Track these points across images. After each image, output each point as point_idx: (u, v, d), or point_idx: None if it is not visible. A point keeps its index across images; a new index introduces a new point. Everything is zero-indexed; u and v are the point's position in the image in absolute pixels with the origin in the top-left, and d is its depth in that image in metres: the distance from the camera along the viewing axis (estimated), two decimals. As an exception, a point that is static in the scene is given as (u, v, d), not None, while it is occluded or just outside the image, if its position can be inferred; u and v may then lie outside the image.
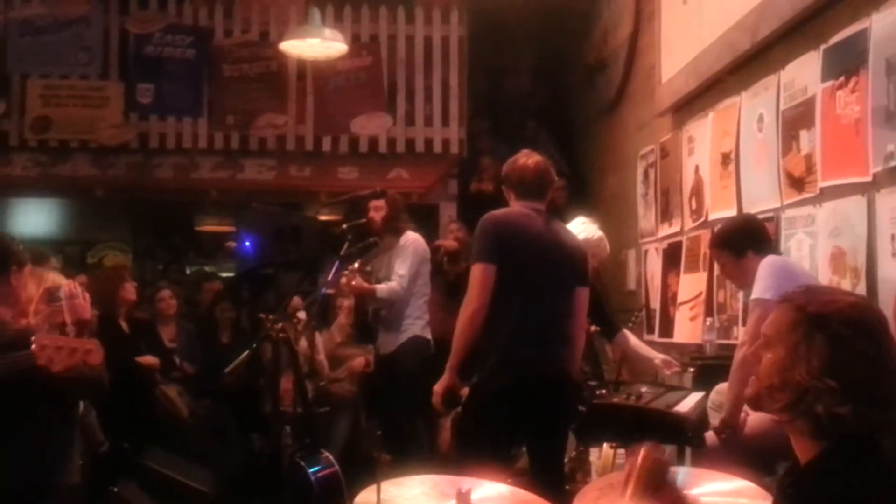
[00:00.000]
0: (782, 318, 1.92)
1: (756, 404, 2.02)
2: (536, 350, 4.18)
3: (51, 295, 3.75)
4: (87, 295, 3.69)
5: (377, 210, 6.31)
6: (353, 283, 6.03)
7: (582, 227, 5.13)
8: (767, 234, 4.41)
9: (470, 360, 4.27)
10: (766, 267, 4.01)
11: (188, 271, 11.40)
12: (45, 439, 3.41)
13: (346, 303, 7.09)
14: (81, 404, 4.42)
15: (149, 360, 6.34)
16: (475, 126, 9.80)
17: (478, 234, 4.29)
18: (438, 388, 4.29)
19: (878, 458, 1.83)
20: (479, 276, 4.18)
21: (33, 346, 3.00)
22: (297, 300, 6.55)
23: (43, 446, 3.40)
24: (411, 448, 5.93)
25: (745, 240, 4.25)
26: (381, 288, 6.13)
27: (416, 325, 6.22)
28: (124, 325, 6.34)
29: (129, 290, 6.44)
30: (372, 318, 6.46)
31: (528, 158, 4.44)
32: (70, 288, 3.65)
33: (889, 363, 1.83)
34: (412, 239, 6.27)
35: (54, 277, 3.85)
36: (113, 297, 6.15)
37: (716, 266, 5.71)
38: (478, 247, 4.25)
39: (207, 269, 11.62)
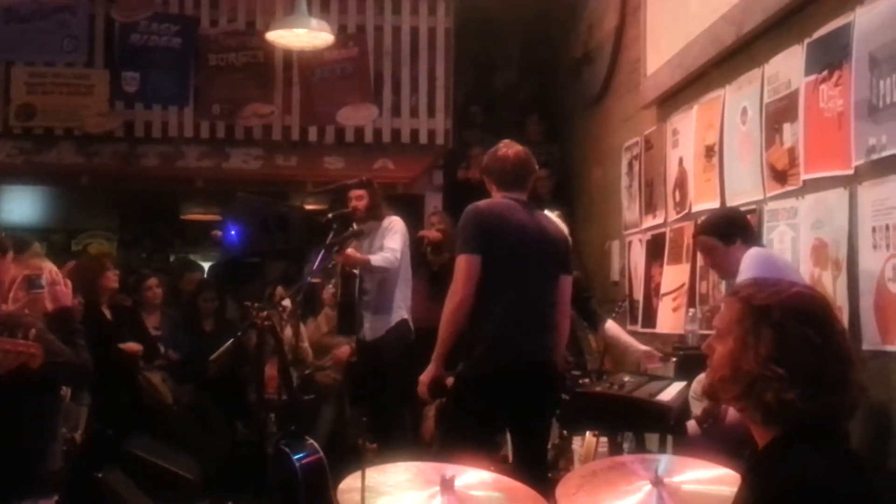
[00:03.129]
0: (730, 310, 1.98)
1: (711, 395, 2.07)
2: (522, 339, 4.21)
3: (31, 282, 3.74)
4: (69, 282, 3.69)
5: (359, 199, 6.33)
6: (348, 251, 5.97)
7: None
8: (752, 227, 4.45)
9: (455, 350, 4.30)
10: (750, 259, 4.04)
11: (171, 259, 11.36)
12: (29, 425, 3.41)
13: (330, 289, 7.08)
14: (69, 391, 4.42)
15: (131, 346, 6.34)
16: (468, 115, 9.83)
17: (462, 225, 4.30)
18: (424, 377, 4.32)
19: (830, 441, 1.89)
20: (464, 266, 4.19)
21: None
22: (280, 289, 6.57)
23: (26, 432, 3.41)
24: (397, 436, 5.95)
25: (735, 228, 4.29)
26: (376, 257, 6.08)
27: (403, 308, 6.24)
28: (107, 312, 6.33)
29: (111, 279, 6.43)
30: (359, 300, 6.41)
31: (508, 149, 4.45)
32: (51, 275, 3.65)
33: (834, 349, 1.88)
34: (396, 220, 6.31)
35: (39, 264, 3.84)
36: (94, 285, 6.14)
37: (699, 257, 5.76)
38: (463, 238, 4.26)
39: (192, 257, 11.60)
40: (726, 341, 1.96)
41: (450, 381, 4.38)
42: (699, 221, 4.77)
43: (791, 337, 1.87)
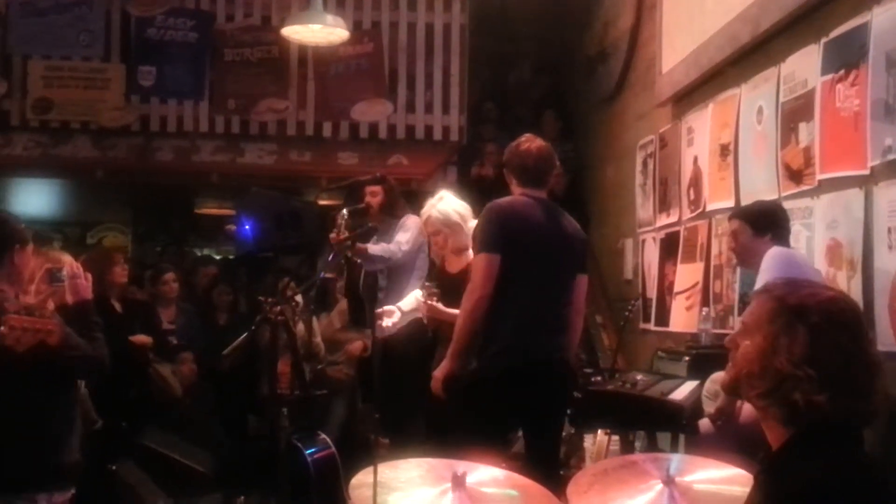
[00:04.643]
0: (762, 307, 1.97)
1: (733, 390, 2.07)
2: (538, 338, 4.21)
3: (52, 275, 3.77)
4: (89, 276, 3.72)
5: (374, 196, 6.31)
6: (342, 235, 5.74)
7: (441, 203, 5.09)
8: (789, 227, 4.40)
9: (471, 347, 4.29)
10: (772, 258, 4.02)
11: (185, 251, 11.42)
12: (49, 417, 3.43)
13: (339, 282, 7.06)
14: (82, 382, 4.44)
15: (141, 339, 6.35)
16: (483, 111, 9.83)
17: (482, 222, 4.29)
18: (439, 374, 4.31)
19: (846, 444, 1.89)
20: (484, 264, 4.19)
21: (2, 328, 3.03)
22: (292, 284, 6.57)
23: (46, 424, 3.43)
24: (409, 432, 5.94)
25: (772, 222, 4.27)
26: (375, 247, 5.98)
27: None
28: (117, 305, 6.35)
29: (120, 273, 6.43)
30: (363, 290, 6.38)
31: (530, 143, 4.43)
32: (72, 268, 3.68)
33: (863, 356, 1.89)
34: (413, 217, 6.24)
35: (59, 256, 3.86)
36: (103, 279, 6.14)
37: (713, 255, 5.76)
38: (483, 236, 4.25)
39: (205, 252, 11.65)
40: (755, 337, 1.95)
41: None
42: (744, 205, 4.77)
43: (825, 340, 1.87)
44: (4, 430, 3.33)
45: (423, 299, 4.94)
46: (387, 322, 5.03)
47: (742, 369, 1.97)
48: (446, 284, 4.96)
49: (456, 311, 4.72)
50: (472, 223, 4.96)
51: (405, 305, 5.14)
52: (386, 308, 5.11)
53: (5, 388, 3.28)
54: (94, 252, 8.53)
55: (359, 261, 6.15)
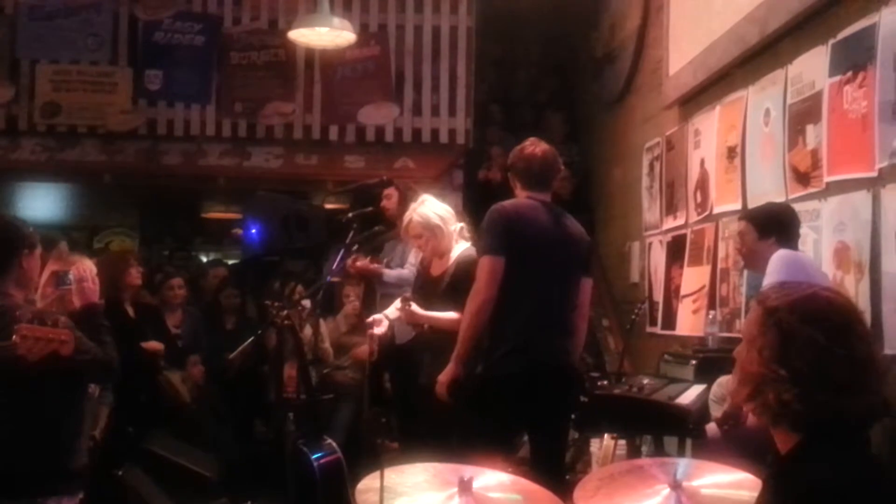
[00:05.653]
0: (751, 315, 2.00)
1: (734, 399, 2.09)
2: (543, 341, 4.20)
3: (59, 278, 3.77)
4: (97, 279, 3.70)
5: (389, 198, 6.33)
6: (359, 263, 6.06)
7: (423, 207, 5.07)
8: (798, 230, 4.37)
9: (475, 350, 4.29)
10: (776, 261, 3.99)
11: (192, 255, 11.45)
12: (59, 422, 3.43)
13: (355, 291, 7.10)
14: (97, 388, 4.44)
15: (153, 345, 6.34)
16: (488, 113, 9.81)
17: (487, 225, 4.28)
18: (444, 377, 4.31)
19: (851, 446, 1.87)
20: (487, 267, 4.19)
21: (15, 337, 3.00)
22: (299, 288, 6.57)
23: (56, 429, 3.42)
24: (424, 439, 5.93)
25: (777, 225, 4.24)
26: (389, 272, 6.12)
27: None
28: (130, 309, 6.35)
29: (135, 276, 6.43)
30: (380, 306, 6.42)
31: (535, 147, 4.44)
32: (78, 271, 3.66)
33: (841, 350, 1.85)
34: None
35: (79, 259, 3.85)
36: (118, 282, 6.14)
37: (719, 258, 5.74)
38: (487, 238, 4.25)
39: (212, 256, 11.66)
40: (745, 346, 1.97)
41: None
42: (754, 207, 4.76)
43: (794, 337, 1.87)
44: (16, 435, 3.33)
45: (399, 306, 4.94)
46: (377, 330, 5.06)
47: (734, 377, 2.00)
48: (427, 287, 4.96)
49: (432, 314, 4.75)
50: (455, 226, 4.98)
51: (391, 314, 5.17)
52: (374, 317, 5.13)
53: (17, 395, 3.27)
54: (108, 255, 8.52)
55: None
